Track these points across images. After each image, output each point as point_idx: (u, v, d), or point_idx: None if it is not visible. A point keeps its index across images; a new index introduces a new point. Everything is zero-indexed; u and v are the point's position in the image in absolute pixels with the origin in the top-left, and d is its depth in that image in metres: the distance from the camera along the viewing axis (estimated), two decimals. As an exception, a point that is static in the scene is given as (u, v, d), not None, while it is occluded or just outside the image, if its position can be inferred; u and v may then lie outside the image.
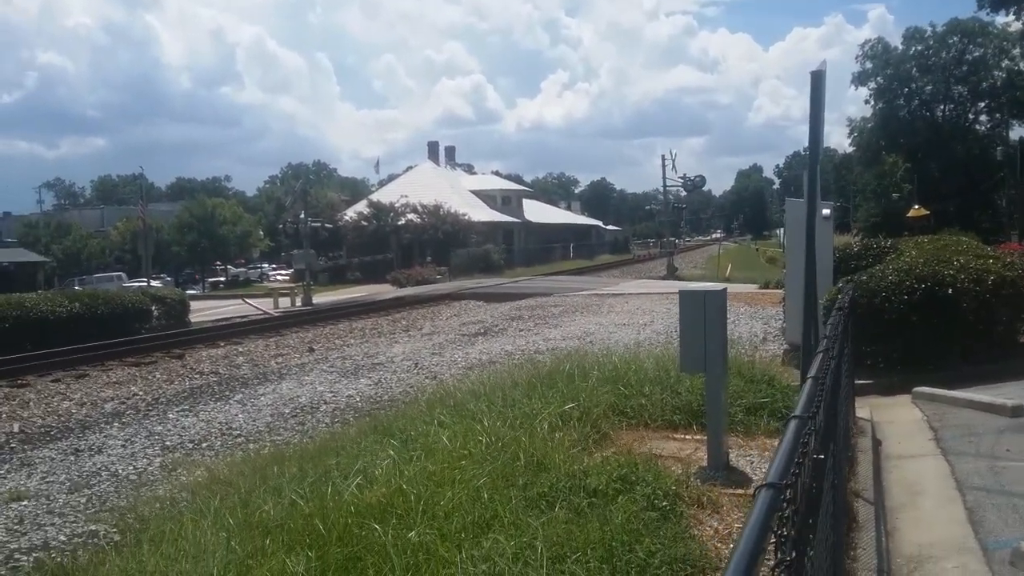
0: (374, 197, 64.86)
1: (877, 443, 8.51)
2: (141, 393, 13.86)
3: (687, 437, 7.69)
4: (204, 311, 30.13)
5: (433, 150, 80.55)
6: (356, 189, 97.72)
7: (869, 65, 70.32)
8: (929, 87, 70.19)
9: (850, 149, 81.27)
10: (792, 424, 2.41)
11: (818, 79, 6.00)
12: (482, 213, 65.38)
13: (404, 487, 5.80)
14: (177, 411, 12.19)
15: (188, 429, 10.86)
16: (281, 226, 64.83)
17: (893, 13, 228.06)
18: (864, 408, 9.58)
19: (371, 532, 5.13)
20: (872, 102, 71.31)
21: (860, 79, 70.95)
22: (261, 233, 74.65)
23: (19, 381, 14.89)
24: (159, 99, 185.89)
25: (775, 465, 2.01)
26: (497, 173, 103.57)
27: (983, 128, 70.60)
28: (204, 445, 10.00)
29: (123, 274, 56.11)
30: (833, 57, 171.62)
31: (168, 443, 10.14)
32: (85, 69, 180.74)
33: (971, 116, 71.23)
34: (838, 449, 4.88)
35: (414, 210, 59.13)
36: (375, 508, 5.51)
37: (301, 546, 5.10)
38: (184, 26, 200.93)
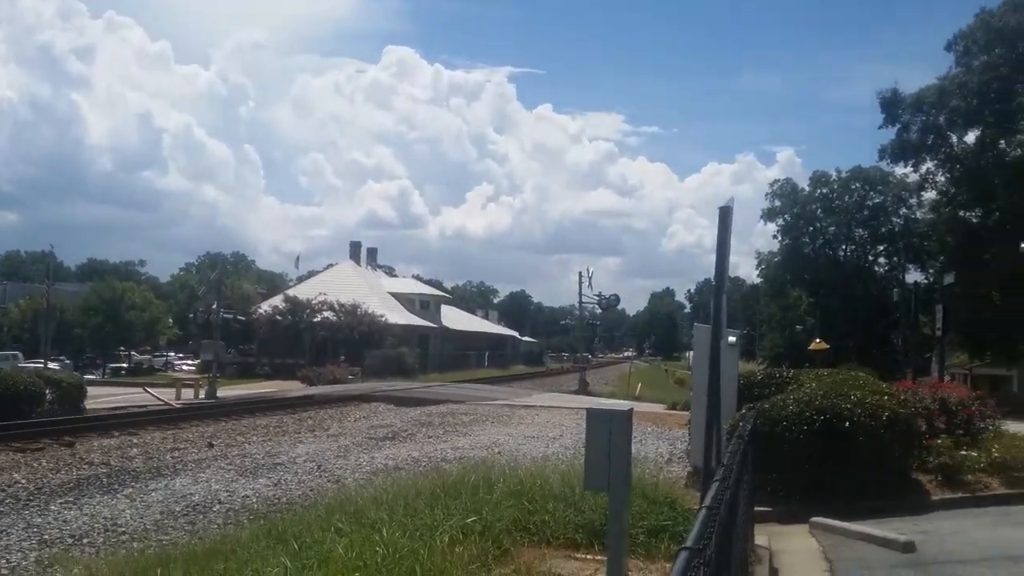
0: (291, 292, 64.18)
1: (774, 572, 8.60)
2: (23, 481, 13.13)
3: (588, 557, 7.64)
4: (102, 398, 28.94)
5: (355, 250, 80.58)
6: (274, 283, 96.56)
7: (777, 203, 74.06)
8: (833, 228, 74.07)
9: (758, 280, 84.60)
10: (681, 556, 2.45)
11: (725, 214, 6.34)
12: (400, 316, 65.21)
13: (293, 598, 5.60)
14: (60, 503, 11.57)
15: (70, 523, 10.30)
16: (192, 315, 63.50)
17: (800, 156, 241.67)
18: (763, 535, 9.70)
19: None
20: (779, 237, 74.79)
21: (769, 215, 74.56)
22: (170, 321, 72.83)
23: None
24: (78, 178, 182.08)
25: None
26: (418, 277, 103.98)
27: (881, 270, 74.49)
28: (85, 541, 9.49)
29: (19, 354, 53.69)
30: (744, 192, 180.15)
31: (47, 536, 9.59)
32: (4, 142, 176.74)
33: (871, 258, 75.18)
34: (733, 577, 4.93)
35: (331, 308, 58.62)
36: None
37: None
38: (111, 108, 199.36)
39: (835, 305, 66.39)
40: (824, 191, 73.65)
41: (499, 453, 16.02)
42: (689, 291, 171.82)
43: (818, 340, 51.29)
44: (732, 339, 12.26)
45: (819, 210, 73.38)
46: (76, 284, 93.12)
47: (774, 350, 74.08)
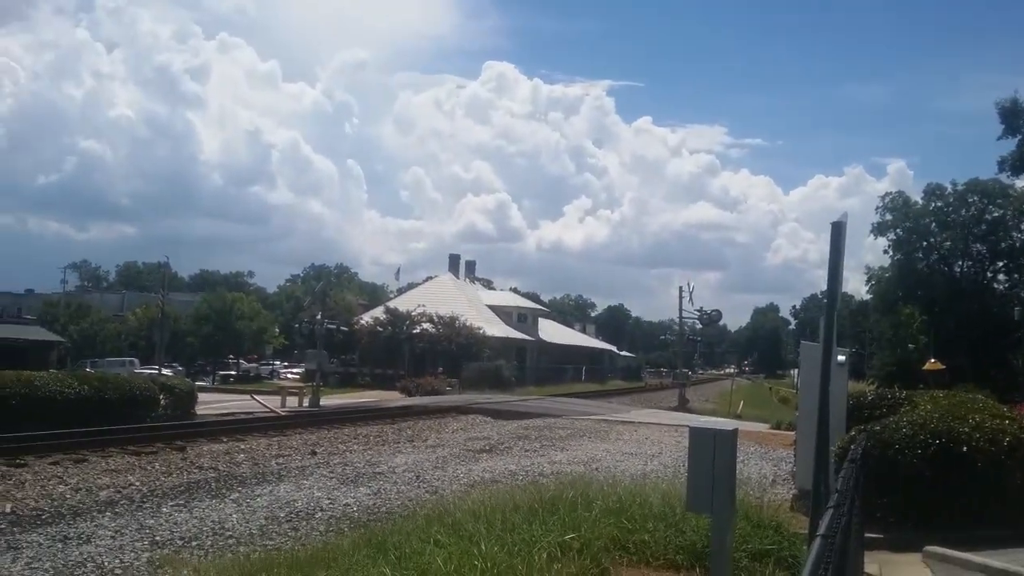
0: (392, 304, 65.34)
1: (885, 602, 8.20)
2: (138, 483, 13.68)
3: (689, 580, 7.45)
4: (211, 403, 30.00)
5: (454, 263, 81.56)
6: (375, 294, 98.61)
7: (888, 217, 71.30)
8: (948, 243, 70.85)
9: (867, 296, 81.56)
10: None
11: (839, 229, 6.07)
12: (497, 329, 65.55)
13: (393, 609, 5.62)
14: (171, 505, 12.00)
15: (180, 525, 10.65)
16: (297, 325, 65.25)
17: (912, 168, 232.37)
18: (874, 564, 9.29)
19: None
20: (891, 252, 71.99)
21: (879, 230, 71.85)
22: (277, 330, 75.10)
23: (18, 460, 14.75)
24: (191, 193, 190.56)
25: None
26: (515, 290, 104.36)
27: (1001, 287, 70.81)
28: (194, 543, 9.79)
29: (135, 360, 56.28)
30: (853, 206, 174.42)
31: (158, 538, 9.93)
32: (122, 159, 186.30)
33: (989, 274, 71.56)
34: (845, 609, 4.70)
35: (430, 320, 59.39)
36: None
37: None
38: (223, 125, 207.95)
39: (950, 323, 63.50)
40: (938, 204, 70.56)
41: (597, 469, 15.86)
42: (794, 307, 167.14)
43: (933, 360, 49.17)
44: (842, 358, 11.81)
45: (933, 224, 70.33)
46: (189, 294, 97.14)
47: (884, 369, 71.13)
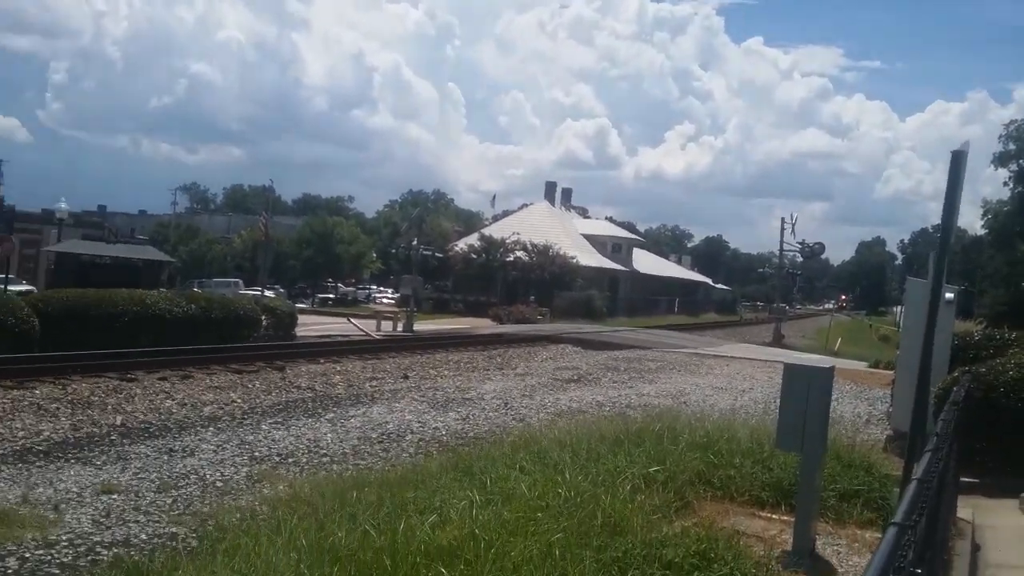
0: (486, 231, 65.67)
1: (976, 548, 7.96)
2: (239, 401, 14.27)
3: (774, 516, 7.38)
4: (310, 326, 30.95)
5: (550, 190, 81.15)
6: (470, 221, 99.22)
7: (1012, 147, 67.08)
8: (1076, 174, 66.54)
9: (982, 231, 77.64)
10: (891, 531, 2.26)
11: (959, 159, 5.71)
12: (591, 258, 65.30)
13: (476, 532, 5.73)
14: (270, 423, 12.49)
15: (278, 442, 11.09)
16: (394, 250, 66.47)
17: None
18: (966, 508, 9.00)
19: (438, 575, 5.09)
20: (1011, 185, 67.99)
21: (1001, 160, 67.67)
22: (374, 255, 76.56)
23: (128, 375, 15.54)
24: (295, 117, 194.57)
25: (868, 576, 1.88)
26: (611, 219, 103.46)
27: None
28: (290, 460, 10.19)
29: (240, 281, 58.27)
30: (975, 135, 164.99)
31: (257, 454, 10.37)
32: (231, 82, 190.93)
33: (1120, 209, 67.09)
34: (935, 556, 4.57)
35: (524, 248, 59.53)
36: (445, 550, 5.46)
37: (367, 580, 5.09)
38: (327, 48, 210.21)
39: (1071, 262, 60.11)
40: (1069, 133, 66.14)
41: (685, 403, 15.78)
42: (902, 241, 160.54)
43: (1047, 300, 46.70)
44: (950, 295, 11.32)
45: (1062, 154, 66.08)
46: (292, 217, 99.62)
47: (995, 308, 67.87)
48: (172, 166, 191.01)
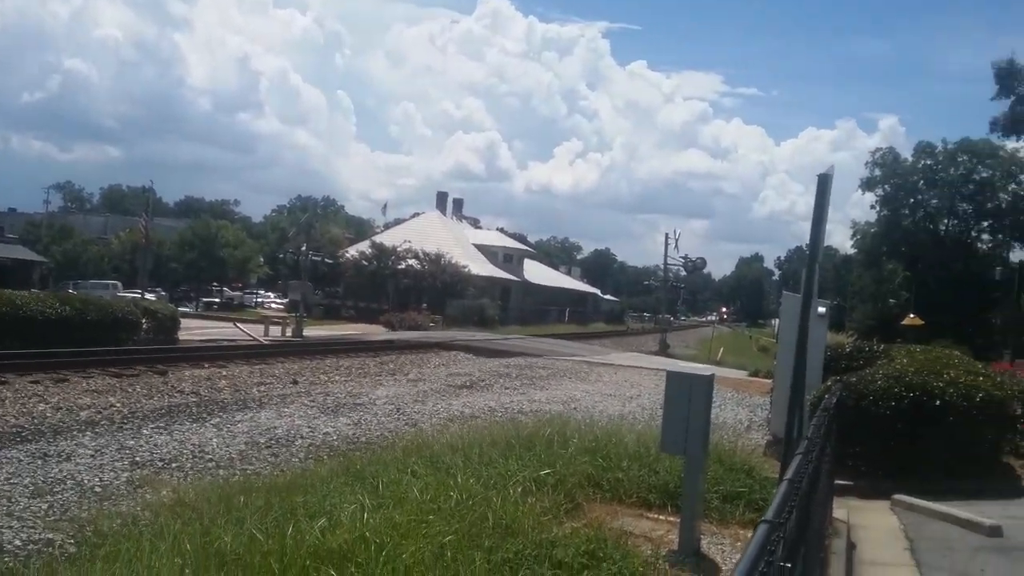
0: (378, 239, 65.13)
1: (851, 546, 8.41)
2: (119, 405, 13.72)
3: (660, 517, 7.60)
4: (194, 330, 30.02)
5: (442, 200, 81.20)
6: (361, 228, 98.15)
7: (878, 172, 71.22)
8: (935, 200, 71.02)
9: (852, 251, 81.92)
10: (761, 528, 2.38)
11: (824, 182, 6.08)
12: (483, 267, 65.62)
13: (367, 535, 5.71)
14: (152, 427, 12.06)
15: (160, 447, 10.72)
16: (282, 255, 65.12)
17: (904, 125, 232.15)
18: (842, 509, 9.49)
19: (328, 578, 5.05)
20: (877, 208, 72.11)
21: (868, 185, 71.86)
22: (261, 260, 74.88)
23: (-2, 378, 14.75)
24: (177, 118, 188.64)
25: (738, 572, 1.98)
26: (502, 230, 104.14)
27: (984, 247, 71.26)
28: (174, 465, 9.87)
29: (119, 283, 55.99)
30: (842, 160, 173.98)
31: (138, 459, 10.00)
32: (108, 79, 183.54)
33: (974, 234, 71.95)
34: (809, 551, 4.81)
35: (416, 256, 59.34)
36: (335, 553, 5.42)
37: (256, 583, 5.00)
38: (211, 50, 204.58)
39: (932, 281, 64.02)
40: (928, 162, 70.56)
41: (575, 409, 16.03)
42: (779, 258, 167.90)
43: (912, 315, 49.63)
44: (822, 310, 11.93)
45: (921, 182, 70.39)
46: (173, 220, 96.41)
47: (864, 323, 71.84)
48: (44, 164, 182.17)
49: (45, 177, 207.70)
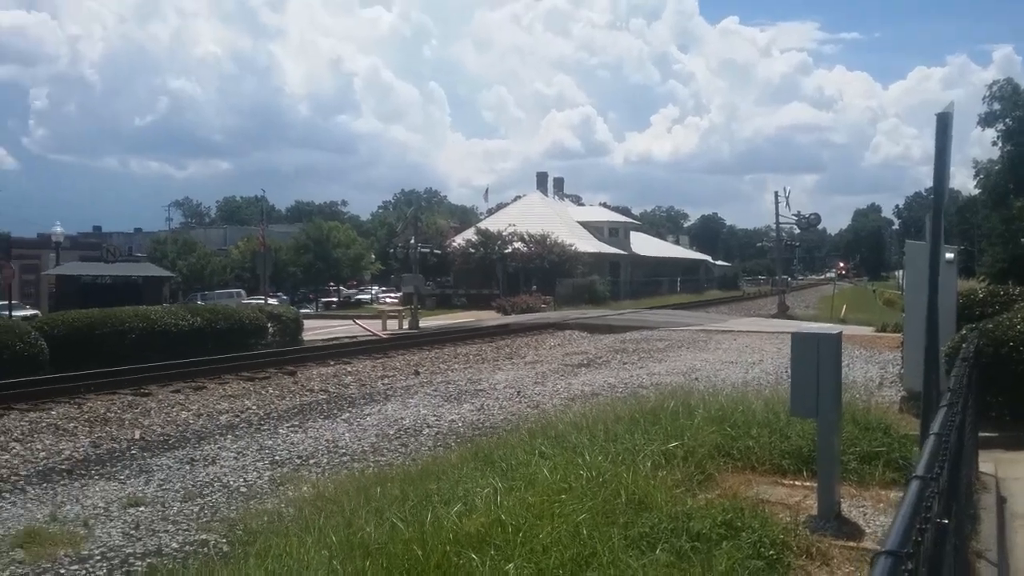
0: (482, 225, 65.62)
1: (1002, 500, 8.03)
2: (254, 407, 14.34)
3: (796, 483, 7.44)
4: (316, 330, 31.01)
5: (542, 181, 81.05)
6: (465, 216, 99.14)
7: (997, 106, 66.99)
8: (1063, 129, 66.47)
9: (975, 191, 77.60)
10: (913, 485, 2.30)
11: (945, 121, 5.77)
12: (589, 244, 65.28)
13: (503, 518, 5.79)
14: (287, 427, 12.56)
15: (297, 445, 11.16)
16: (392, 250, 66.38)
17: (1021, 54, 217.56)
18: (988, 462, 9.06)
19: (469, 562, 5.15)
20: (1000, 144, 67.95)
21: (987, 120, 67.69)
22: (373, 256, 76.60)
23: (142, 390, 15.62)
24: (280, 125, 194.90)
25: (894, 530, 1.91)
26: (605, 205, 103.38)
27: (1123, 174, 66.33)
28: (311, 461, 10.25)
29: (242, 291, 58.30)
30: (958, 98, 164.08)
31: (277, 458, 10.44)
32: (212, 95, 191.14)
33: (1109, 161, 67.05)
34: (960, 508, 4.63)
35: (521, 239, 59.51)
36: (473, 537, 5.53)
37: (400, 571, 5.15)
38: (305, 56, 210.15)
39: (1067, 215, 60.06)
40: (1053, 88, 66.07)
41: (697, 379, 15.84)
42: (897, 206, 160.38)
43: (1048, 253, 46.66)
44: (950, 255, 11.36)
45: (1047, 111, 65.99)
46: (286, 225, 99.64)
47: (996, 266, 67.96)
48: (163, 183, 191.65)
49: (165, 196, 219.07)
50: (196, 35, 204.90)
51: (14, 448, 11.05)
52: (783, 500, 6.91)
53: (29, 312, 38.83)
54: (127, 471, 9.89)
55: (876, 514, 6.69)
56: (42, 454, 10.76)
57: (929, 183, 6.67)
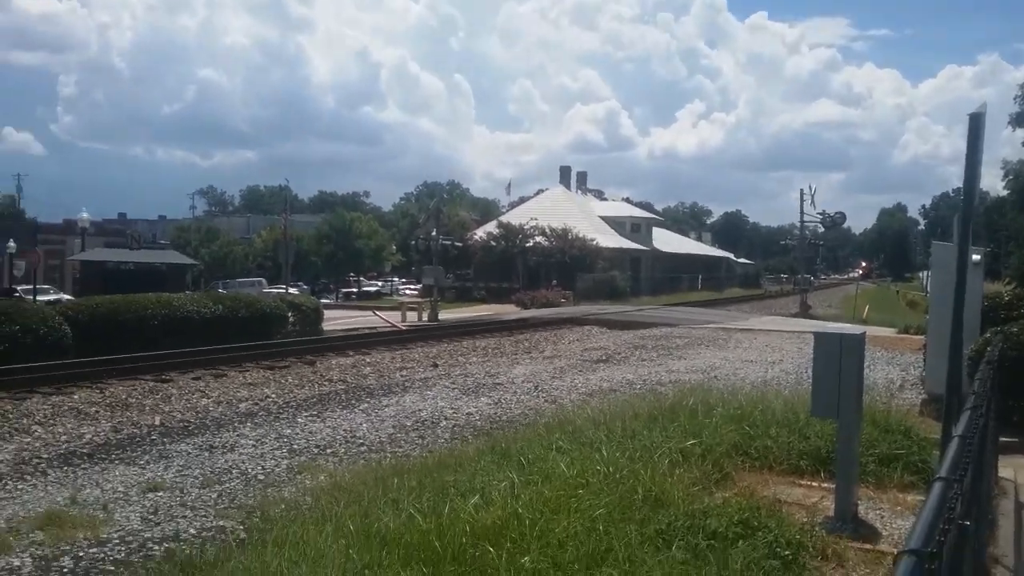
0: (504, 218, 65.65)
1: (1020, 506, 7.95)
2: (274, 396, 14.43)
3: (813, 484, 7.40)
4: (336, 320, 31.15)
5: (564, 175, 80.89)
6: (487, 209, 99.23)
7: (1029, 107, 66.19)
8: (1096, 131, 65.43)
9: (1004, 192, 76.67)
10: (937, 486, 2.29)
11: (977, 121, 5.68)
12: (610, 239, 65.11)
13: (520, 511, 5.80)
14: (306, 416, 12.63)
15: (315, 434, 11.22)
16: (413, 242, 66.51)
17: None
18: (1007, 467, 8.98)
19: (485, 554, 5.16)
20: (1031, 145, 67.06)
21: (1018, 120, 66.74)
22: (394, 248, 76.77)
23: (163, 376, 15.76)
24: (306, 116, 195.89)
25: (918, 529, 1.91)
26: (628, 200, 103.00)
27: None
28: (329, 451, 10.31)
29: (263, 280, 58.62)
30: (989, 97, 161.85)
31: (295, 446, 10.50)
32: (239, 85, 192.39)
33: None
34: (980, 512, 4.59)
35: (542, 233, 59.46)
36: (490, 530, 5.53)
37: (417, 561, 5.18)
38: (332, 47, 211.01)
39: (1096, 219, 59.26)
40: (1085, 89, 65.09)
41: (716, 377, 15.78)
42: (923, 206, 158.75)
43: (1076, 258, 46.07)
44: (977, 257, 11.25)
45: (1079, 111, 65.02)
46: (309, 215, 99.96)
47: (1022, 269, 67.31)
48: (188, 171, 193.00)
49: (189, 184, 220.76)
50: (225, 25, 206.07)
51: (36, 431, 11.18)
52: (800, 500, 6.88)
53: (53, 296, 39.24)
54: (146, 456, 9.97)
55: (893, 517, 6.64)
56: (63, 438, 10.88)
57: (957, 183, 6.59)
